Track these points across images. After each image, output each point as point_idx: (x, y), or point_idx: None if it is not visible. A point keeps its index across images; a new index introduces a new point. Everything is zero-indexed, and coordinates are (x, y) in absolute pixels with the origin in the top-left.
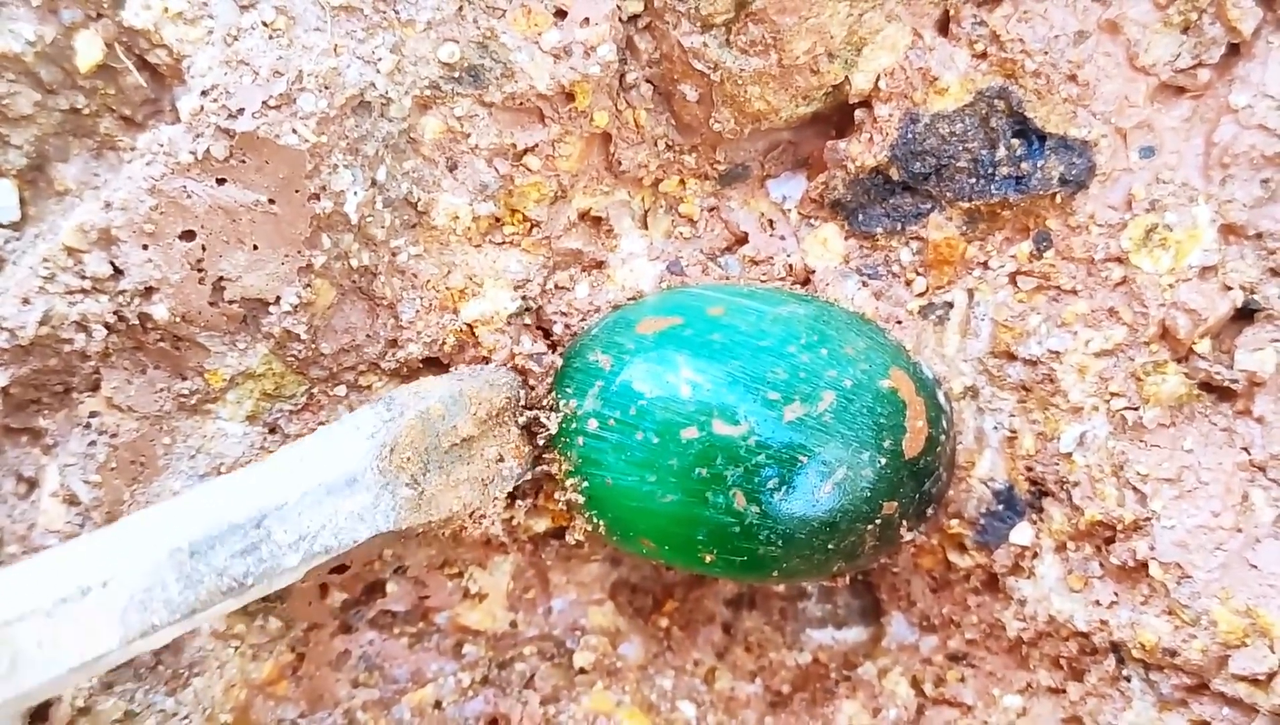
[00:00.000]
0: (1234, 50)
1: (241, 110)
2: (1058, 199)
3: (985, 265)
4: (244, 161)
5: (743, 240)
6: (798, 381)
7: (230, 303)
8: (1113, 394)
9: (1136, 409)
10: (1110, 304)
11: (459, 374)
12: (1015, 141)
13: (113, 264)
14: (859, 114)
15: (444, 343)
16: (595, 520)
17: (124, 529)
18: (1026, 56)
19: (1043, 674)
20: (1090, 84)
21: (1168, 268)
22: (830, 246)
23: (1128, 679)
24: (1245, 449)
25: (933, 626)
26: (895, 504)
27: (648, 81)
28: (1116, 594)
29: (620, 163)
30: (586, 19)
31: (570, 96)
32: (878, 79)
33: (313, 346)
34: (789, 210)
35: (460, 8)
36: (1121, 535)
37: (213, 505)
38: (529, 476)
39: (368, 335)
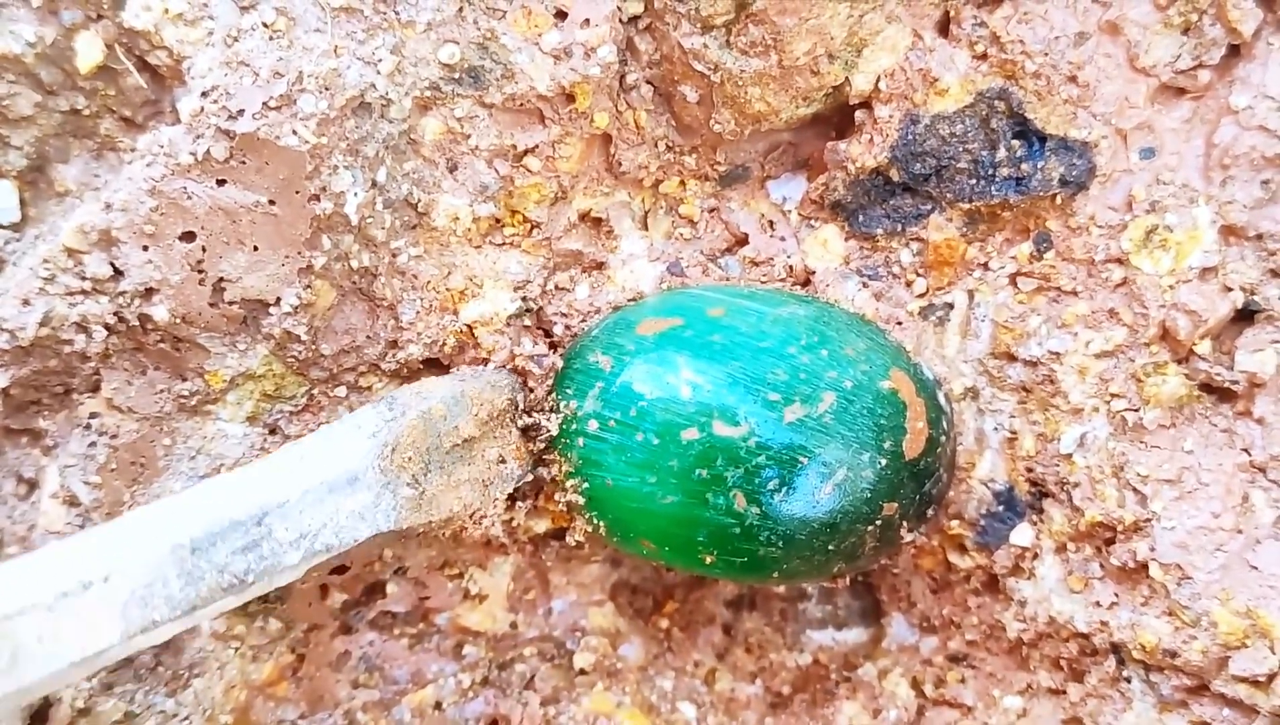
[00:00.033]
0: (1234, 51)
1: (242, 111)
2: (1058, 200)
3: (985, 266)
4: (244, 163)
5: (743, 241)
6: (798, 382)
7: (230, 304)
8: (1113, 395)
9: (1137, 410)
10: (1110, 305)
11: (460, 375)
12: (1015, 142)
13: (113, 265)
14: (859, 115)
15: (444, 344)
16: (595, 521)
17: (125, 524)
18: (1027, 58)
19: (1043, 675)
20: (1090, 85)
21: (1168, 269)
22: (830, 247)
23: (1128, 680)
24: (1245, 450)
25: (933, 627)
26: (896, 505)
27: (648, 83)
28: (1117, 595)
29: (620, 164)
30: (587, 20)
31: (570, 98)
32: (878, 80)
33: (313, 347)
34: (789, 211)
35: (460, 9)
36: (1122, 536)
37: (214, 502)
38: (529, 477)
39: (368, 336)
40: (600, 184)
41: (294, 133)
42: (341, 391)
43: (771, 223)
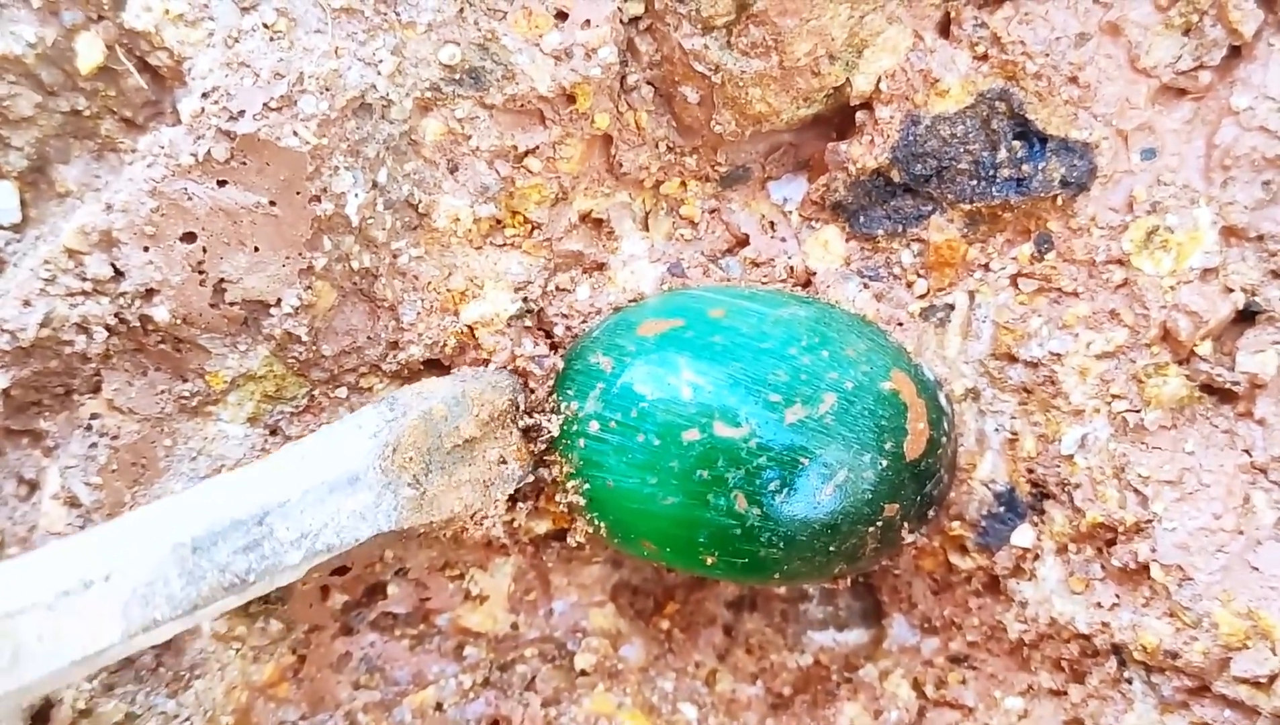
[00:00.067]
0: (1235, 52)
1: (242, 112)
2: (1059, 201)
3: (986, 267)
4: (245, 163)
5: (744, 242)
6: (799, 383)
7: (231, 305)
8: (1114, 396)
9: (1138, 411)
10: (1111, 306)
11: (461, 375)
12: (1016, 143)
13: (114, 266)
14: (860, 116)
15: (445, 345)
16: (596, 522)
17: (126, 523)
18: (1028, 58)
19: (1044, 676)
20: (1091, 86)
21: (1169, 270)
22: (831, 248)
23: (1129, 681)
24: (1246, 451)
25: (934, 628)
26: (896, 506)
27: (649, 83)
28: (1118, 596)
29: (621, 165)
30: (587, 21)
31: (571, 98)
32: (879, 81)
33: (314, 348)
34: (790, 212)
35: (461, 10)
36: (1123, 537)
37: (215, 501)
38: (530, 479)
39: (369, 337)
40: (601, 185)
41: (295, 134)
42: (342, 392)
43: (772, 224)
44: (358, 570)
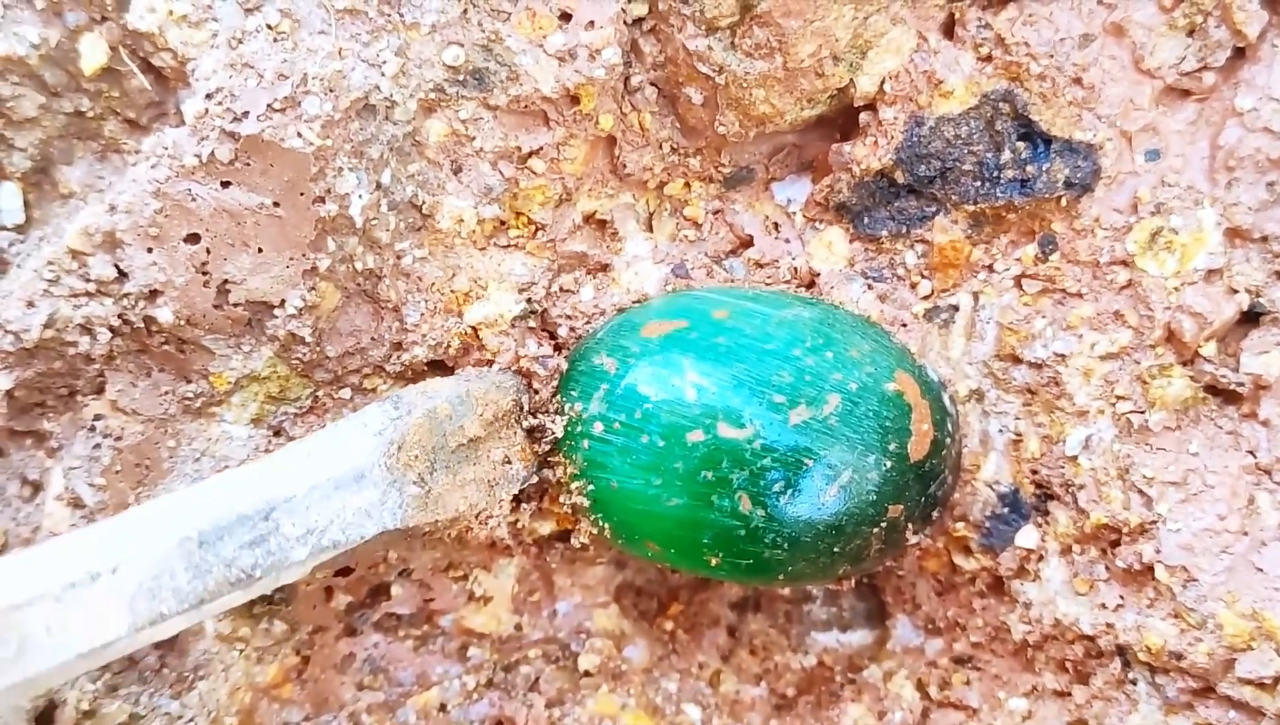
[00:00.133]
0: (1239, 53)
1: (246, 113)
2: (1063, 202)
3: (990, 268)
4: (249, 164)
5: (748, 243)
6: (803, 385)
7: (235, 306)
8: (1118, 397)
9: (1142, 412)
10: (1116, 307)
11: (466, 375)
12: (1020, 144)
13: (117, 267)
14: (864, 117)
15: (449, 346)
16: (600, 523)
17: (133, 517)
18: (1032, 59)
19: (1048, 677)
20: (1095, 87)
21: (1173, 271)
22: (835, 249)
23: (1133, 682)
24: (1251, 452)
25: (938, 629)
26: (900, 507)
27: (652, 84)
28: (1122, 597)
29: (625, 166)
30: (591, 22)
31: (575, 99)
32: (883, 82)
33: (317, 349)
34: (794, 213)
35: (465, 11)
36: (1127, 538)
37: (221, 496)
38: (535, 480)
39: (372, 338)
40: (605, 186)
41: (298, 135)
42: (346, 393)
43: (776, 225)
44: (361, 571)
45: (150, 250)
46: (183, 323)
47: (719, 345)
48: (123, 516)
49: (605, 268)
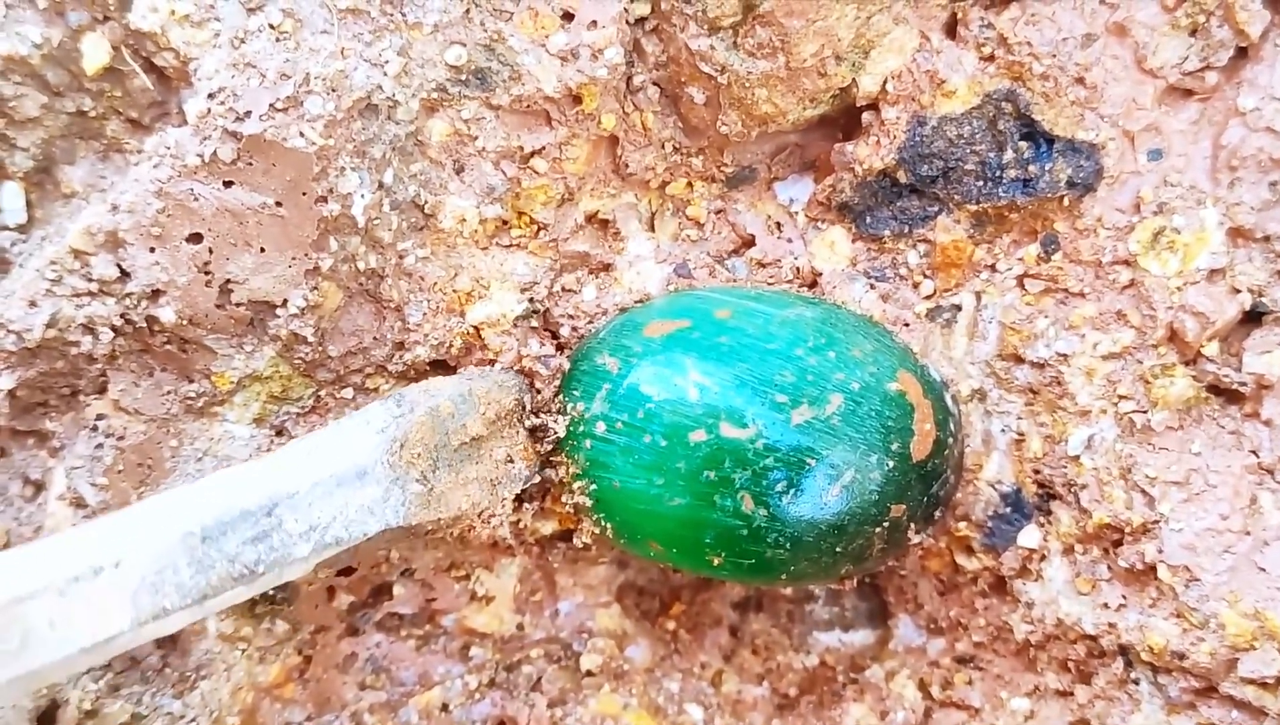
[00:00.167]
0: (1242, 53)
1: (248, 113)
2: (1065, 202)
3: (993, 268)
4: (251, 164)
5: (750, 243)
6: (805, 384)
7: (237, 305)
8: (1120, 397)
9: (1144, 412)
10: (1118, 307)
11: (468, 374)
12: (1023, 144)
13: (120, 266)
14: (866, 117)
15: (451, 345)
16: (603, 523)
17: (136, 512)
18: (1034, 59)
19: (1051, 677)
20: (1098, 86)
21: (1175, 270)
22: (837, 249)
23: (1136, 682)
24: (1253, 452)
25: (940, 629)
26: (903, 507)
27: (655, 84)
28: (1124, 597)
29: (627, 165)
30: (593, 22)
31: (577, 99)
32: (885, 82)
33: (320, 349)
34: (796, 213)
35: (467, 10)
36: (1129, 538)
37: (225, 492)
38: (537, 480)
39: (375, 338)
40: (607, 185)
41: (301, 134)
42: (348, 393)
43: (778, 224)
44: (364, 571)
45: (153, 250)
46: (185, 322)
47: (721, 345)
48: (126, 511)
49: (607, 267)
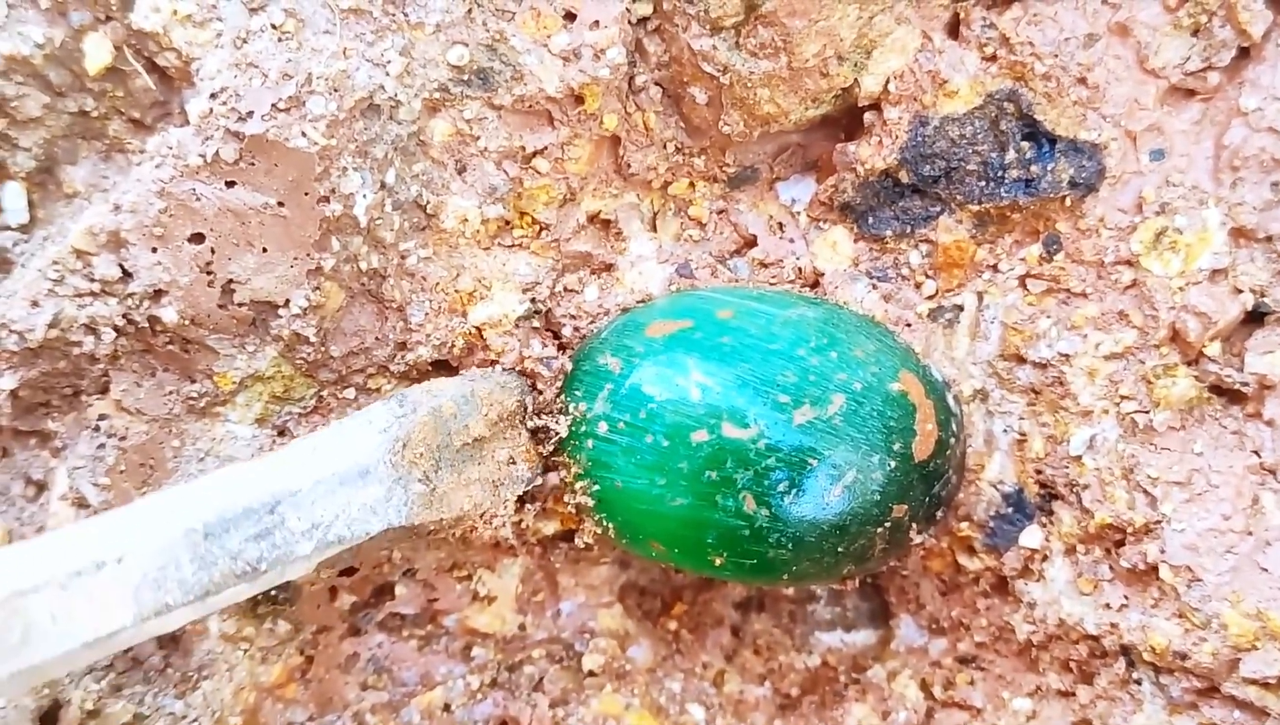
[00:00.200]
0: (1244, 53)
1: (251, 113)
2: (1067, 202)
3: (995, 268)
4: (253, 164)
5: (752, 243)
6: (807, 384)
7: (239, 305)
8: (1123, 397)
9: (1146, 412)
10: (1120, 307)
11: (471, 375)
12: (1025, 144)
13: (122, 266)
14: (868, 117)
15: (453, 346)
16: (604, 523)
17: (139, 508)
18: (1036, 59)
19: (1052, 677)
20: (1100, 87)
21: (1178, 271)
22: (839, 249)
23: (1138, 682)
24: (1256, 452)
25: (942, 629)
26: (905, 507)
27: (657, 84)
28: (1126, 597)
29: (629, 165)
30: (596, 22)
31: (579, 99)
32: (887, 82)
33: (322, 349)
34: (798, 213)
35: (469, 10)
36: (1131, 538)
37: (227, 489)
38: (539, 481)
39: (377, 338)
40: (609, 186)
41: (303, 134)
42: (350, 393)
43: (780, 224)
44: (365, 571)
45: (155, 250)
46: (187, 322)
47: (723, 345)
48: (128, 507)
49: (609, 268)
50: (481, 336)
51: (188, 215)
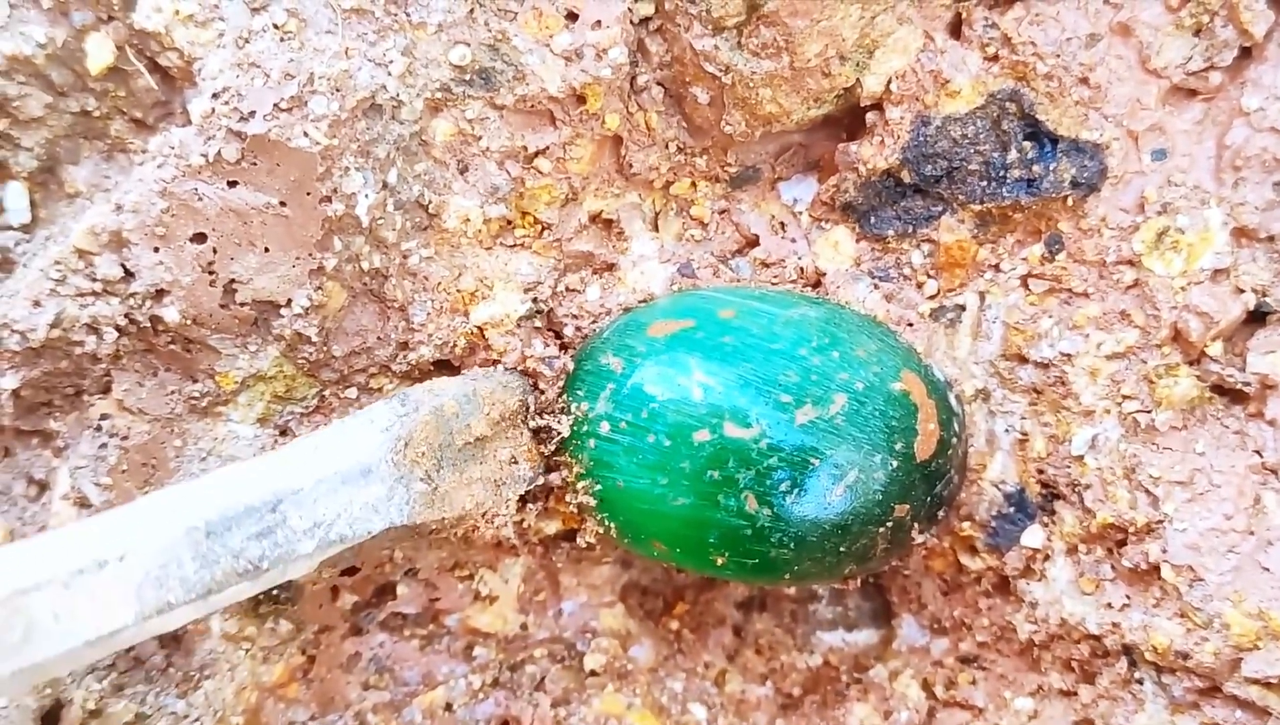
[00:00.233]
0: (1246, 53)
1: (253, 113)
2: (1069, 202)
3: (997, 268)
4: (255, 164)
5: (754, 243)
6: (809, 384)
7: (241, 305)
8: (1124, 397)
9: (1148, 412)
10: (1122, 306)
11: (472, 375)
12: (1027, 144)
13: (124, 266)
14: (870, 116)
15: (455, 345)
16: (606, 523)
17: (141, 506)
18: (1038, 59)
19: (1054, 676)
20: (1102, 86)
21: (1179, 270)
22: (841, 249)
23: (1140, 682)
24: (1257, 452)
25: (944, 629)
26: (907, 506)
27: (659, 84)
28: (1128, 597)
29: (631, 165)
30: (598, 21)
31: (581, 99)
32: (889, 81)
33: (324, 349)
34: (800, 213)
35: (471, 10)
36: (1133, 538)
37: (229, 488)
38: (541, 481)
39: (379, 337)
40: (611, 185)
41: (305, 134)
42: (352, 393)
43: (782, 224)
44: (367, 570)
45: (157, 250)
46: (189, 322)
47: (725, 345)
48: (130, 505)
49: (611, 267)
50: (483, 336)
51: (190, 215)
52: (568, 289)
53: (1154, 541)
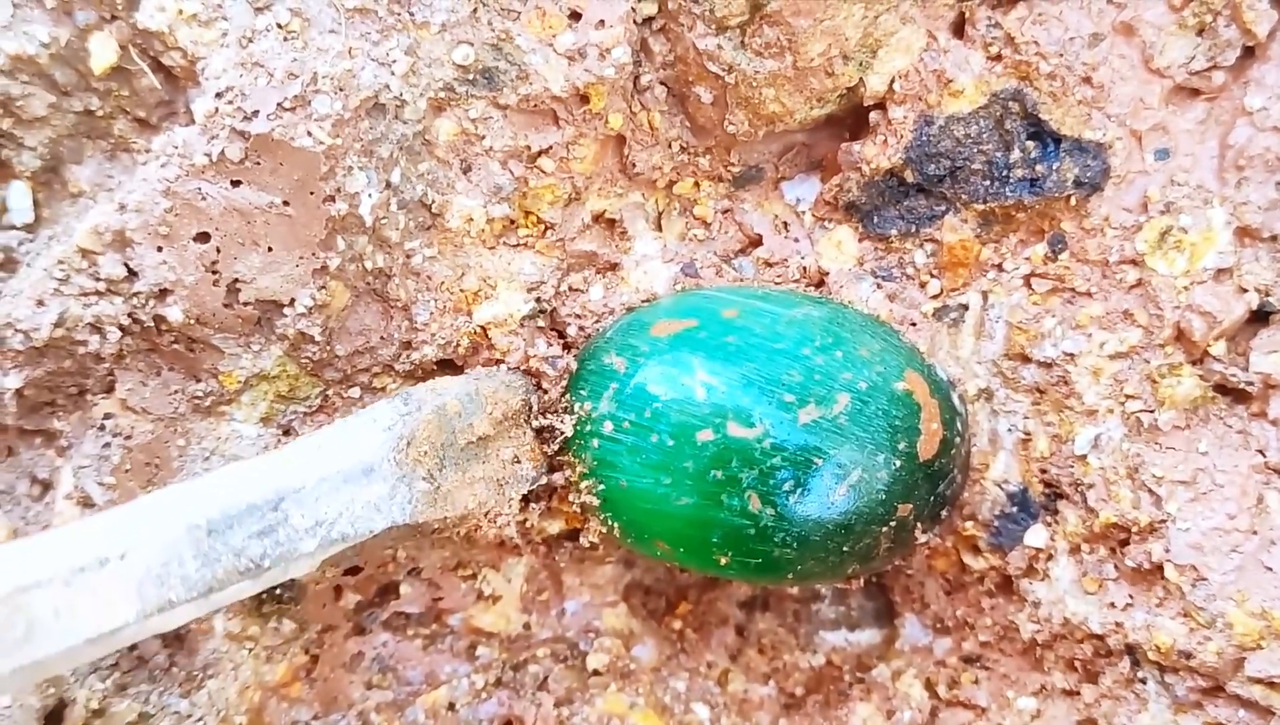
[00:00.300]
0: (1249, 53)
1: (256, 112)
2: (1072, 201)
3: (1000, 267)
4: (259, 163)
5: (757, 242)
6: (812, 384)
7: (245, 305)
8: (1127, 396)
9: (1151, 411)
10: (1125, 306)
11: (475, 374)
12: (1030, 144)
13: (127, 266)
14: (873, 116)
15: (458, 345)
16: (610, 522)
17: (143, 504)
18: (1041, 59)
19: (1057, 676)
20: (1105, 86)
21: (1182, 270)
22: (844, 249)
23: (1143, 681)
24: (1260, 451)
25: (946, 628)
26: (910, 506)
27: (662, 84)
28: (1131, 596)
29: (634, 165)
30: (601, 21)
31: (584, 99)
32: (892, 81)
33: (327, 348)
34: (803, 212)
35: (475, 10)
36: (1136, 537)
37: (231, 486)
38: (544, 481)
39: (382, 337)
40: (614, 185)
41: (308, 134)
42: (355, 392)
43: (785, 224)
44: (370, 570)
45: (160, 249)
46: (192, 322)
47: (728, 344)
48: (132, 503)
49: (614, 267)
50: (486, 336)
51: (193, 214)
52: (571, 288)
53: (1157, 541)
